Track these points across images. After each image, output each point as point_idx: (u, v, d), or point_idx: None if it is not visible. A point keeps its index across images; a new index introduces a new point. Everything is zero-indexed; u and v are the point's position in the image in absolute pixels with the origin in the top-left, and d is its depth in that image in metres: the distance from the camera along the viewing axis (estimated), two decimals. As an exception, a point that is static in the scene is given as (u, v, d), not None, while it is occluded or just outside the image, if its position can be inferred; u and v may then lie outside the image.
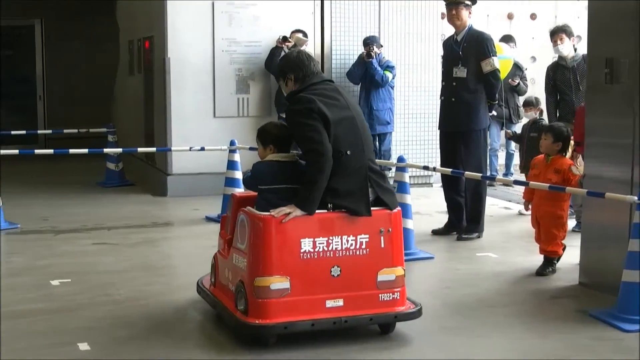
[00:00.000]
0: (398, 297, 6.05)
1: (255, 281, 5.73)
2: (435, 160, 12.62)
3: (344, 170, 5.91)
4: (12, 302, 7.08)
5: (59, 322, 6.55)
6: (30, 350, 5.89)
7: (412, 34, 13.40)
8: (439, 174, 10.38)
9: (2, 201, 10.32)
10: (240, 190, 7.09)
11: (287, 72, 6.30)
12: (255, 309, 5.74)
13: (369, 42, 12.67)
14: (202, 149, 11.09)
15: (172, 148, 12.00)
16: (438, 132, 10.13)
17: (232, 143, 10.61)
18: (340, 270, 5.87)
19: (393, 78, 12.78)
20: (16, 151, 11.77)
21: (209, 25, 12.54)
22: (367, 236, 5.93)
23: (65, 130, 15.27)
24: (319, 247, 5.82)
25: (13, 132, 15.40)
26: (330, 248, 5.85)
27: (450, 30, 10.06)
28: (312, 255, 5.81)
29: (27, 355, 5.80)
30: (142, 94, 14.16)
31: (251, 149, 10.87)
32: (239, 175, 10.44)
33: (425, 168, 9.83)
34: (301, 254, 5.79)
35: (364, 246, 5.93)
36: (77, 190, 13.32)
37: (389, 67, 12.70)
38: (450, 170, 8.86)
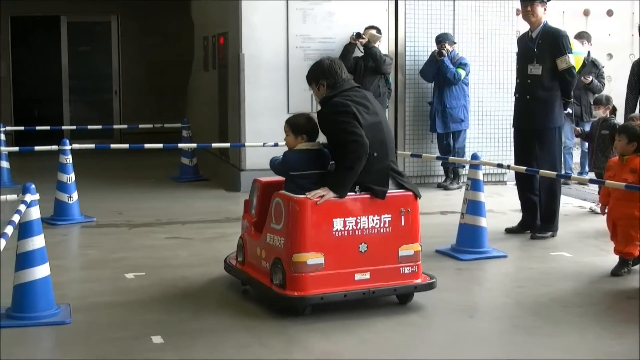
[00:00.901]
0: (416, 270, 6.74)
1: (293, 257, 6.33)
2: (509, 158, 12.51)
3: (369, 168, 6.50)
4: (87, 295, 7.19)
5: (133, 314, 6.64)
6: (105, 343, 5.97)
7: (486, 31, 13.31)
8: (512, 172, 10.28)
9: (78, 195, 10.48)
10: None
11: (320, 78, 6.88)
12: (293, 283, 6.34)
13: (441, 39, 12.62)
14: (276, 144, 11.12)
15: (246, 144, 12.06)
16: (512, 129, 10.04)
17: (306, 139, 10.63)
18: (367, 247, 6.52)
19: (467, 75, 12.71)
20: (92, 146, 11.99)
21: (283, 22, 12.58)
22: (390, 216, 6.59)
23: (141, 126, 15.46)
24: (349, 226, 6.46)
25: (89, 127, 15.64)
26: (358, 227, 6.49)
27: (525, 27, 9.96)
28: (342, 233, 6.45)
29: (102, 347, 5.88)
30: (217, 90, 14.25)
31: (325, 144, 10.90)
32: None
33: (499, 166, 9.76)
34: (333, 232, 6.42)
35: (387, 225, 6.59)
36: (152, 184, 13.47)
37: (462, 65, 12.63)
38: (525, 168, 8.78)
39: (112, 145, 11.87)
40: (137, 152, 13.92)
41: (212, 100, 14.67)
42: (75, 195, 10.43)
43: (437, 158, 12.14)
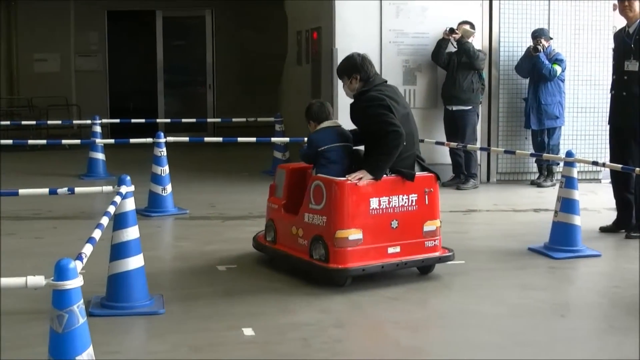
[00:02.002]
0: (437, 244, 7.53)
1: (337, 233, 7.01)
2: (604, 155, 12.31)
3: (400, 155, 7.22)
4: (180, 286, 7.28)
5: (225, 306, 6.69)
6: (196, 333, 6.03)
7: (582, 26, 13.12)
8: (607, 170, 10.12)
9: (172, 187, 10.62)
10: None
11: (353, 72, 7.59)
12: (336, 256, 7.02)
13: (537, 35, 12.48)
14: (367, 139, 11.13)
15: (338, 138, 12.07)
16: (608, 127, 9.87)
17: (397, 134, 10.60)
18: (397, 223, 7.26)
19: (563, 71, 12.55)
20: (186, 139, 12.13)
21: (376, 17, 12.57)
22: (416, 195, 7.35)
23: (234, 119, 15.58)
24: (383, 205, 7.19)
25: (183, 120, 15.81)
26: (390, 205, 7.23)
27: (621, 22, 9.79)
28: (378, 211, 7.17)
29: (194, 338, 5.94)
30: (309, 84, 14.30)
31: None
32: (403, 166, 10.44)
33: (595, 163, 9.59)
34: (370, 211, 7.13)
35: (414, 203, 7.34)
36: (245, 178, 13.56)
37: (558, 60, 12.47)
38: (621, 166, 8.63)
39: (206, 139, 12.00)
40: (230, 145, 14.06)
41: (304, 94, 14.72)
42: (169, 188, 10.57)
43: (531, 155, 12.02)
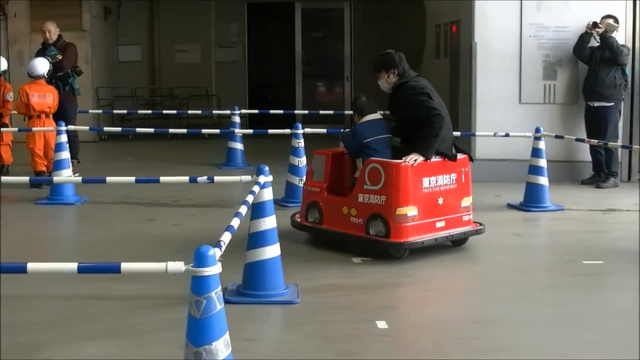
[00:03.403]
0: (471, 218, 8.40)
1: (397, 210, 7.70)
2: None
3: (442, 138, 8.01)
4: (315, 276, 7.32)
5: (360, 298, 6.71)
6: (330, 324, 6.05)
7: None
8: None
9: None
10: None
11: (392, 67, 8.39)
12: (397, 231, 7.71)
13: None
14: (507, 135, 11.00)
15: (476, 133, 11.97)
16: None
17: (537, 130, 10.46)
18: (442, 200, 8.02)
19: None
20: (324, 130, 12.18)
21: (516, 10, 12.39)
22: (455, 174, 8.18)
23: (371, 111, 15.55)
24: (432, 184, 7.95)
25: (321, 112, 15.89)
26: (437, 184, 7.99)
27: None
28: (428, 189, 7.93)
29: (328, 328, 5.96)
30: (447, 78, 14.21)
31: (557, 137, 10.68)
32: (543, 163, 10.30)
33: None
34: (423, 189, 7.87)
35: (454, 181, 8.15)
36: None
37: None
38: None
39: (343, 130, 12.01)
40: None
41: (442, 88, 14.59)
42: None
43: (674, 154, 11.70)
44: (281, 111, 15.25)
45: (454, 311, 6.38)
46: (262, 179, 6.46)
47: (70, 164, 11.39)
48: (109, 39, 20.23)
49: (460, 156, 8.24)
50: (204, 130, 13.71)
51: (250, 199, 6.05)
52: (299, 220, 8.74)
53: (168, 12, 20.98)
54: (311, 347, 5.62)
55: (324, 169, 8.52)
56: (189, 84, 20.08)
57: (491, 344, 5.70)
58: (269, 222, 6.52)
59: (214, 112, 17.78)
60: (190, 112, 17.46)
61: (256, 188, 6.32)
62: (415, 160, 7.76)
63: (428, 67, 16.72)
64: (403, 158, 7.80)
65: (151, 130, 14.08)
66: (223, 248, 4.44)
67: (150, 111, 18.14)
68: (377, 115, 8.42)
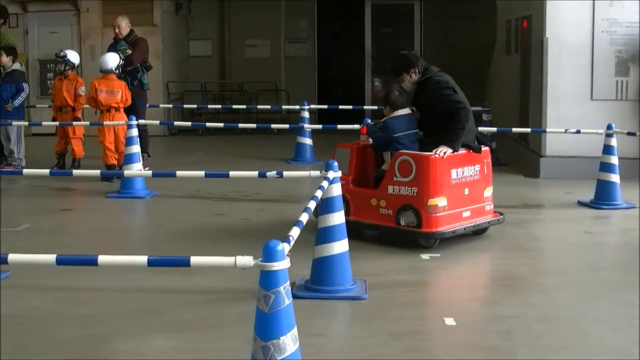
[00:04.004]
0: (492, 207, 8.69)
1: (429, 201, 7.95)
2: None
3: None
4: (383, 272, 7.31)
5: (428, 294, 6.70)
6: (398, 320, 6.04)
7: None
8: None
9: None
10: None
11: (412, 67, 8.63)
12: (428, 221, 7.96)
13: None
14: (578, 131, 10.86)
15: (547, 129, 11.85)
16: None
17: (609, 127, 10.32)
18: (468, 190, 8.31)
19: None
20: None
21: (589, 5, 12.22)
22: (479, 165, 8.47)
23: (440, 108, 15.46)
24: (459, 175, 8.22)
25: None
26: (464, 175, 8.26)
27: None
28: (456, 180, 8.18)
29: (395, 324, 5.95)
30: (518, 74, 14.08)
31: (629, 134, 10.53)
32: (614, 160, 10.17)
33: None
34: (452, 180, 8.13)
35: (477, 172, 8.43)
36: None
37: None
38: None
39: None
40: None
41: (513, 84, 14.51)
42: (374, 174, 10.61)
43: None
44: (350, 107, 15.23)
45: (522, 309, 6.31)
46: (331, 174, 6.46)
47: (141, 158, 11.50)
48: (179, 34, 20.40)
49: (483, 148, 8.55)
50: (273, 125, 13.77)
51: (319, 194, 6.06)
52: None
53: (238, 8, 21.09)
54: (378, 342, 5.61)
55: (350, 161, 8.70)
56: (258, 79, 20.16)
57: (560, 343, 5.63)
58: (338, 218, 6.53)
59: (283, 107, 17.85)
60: (259, 107, 17.54)
61: (325, 183, 6.32)
62: (445, 153, 8.01)
63: (498, 63, 16.61)
64: (433, 150, 8.03)
65: (221, 125, 14.18)
66: (292, 243, 4.45)
67: (219, 106, 18.25)
68: (407, 111, 8.58)
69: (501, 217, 8.70)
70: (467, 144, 8.32)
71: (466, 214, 8.29)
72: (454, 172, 8.16)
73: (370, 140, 8.83)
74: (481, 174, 8.47)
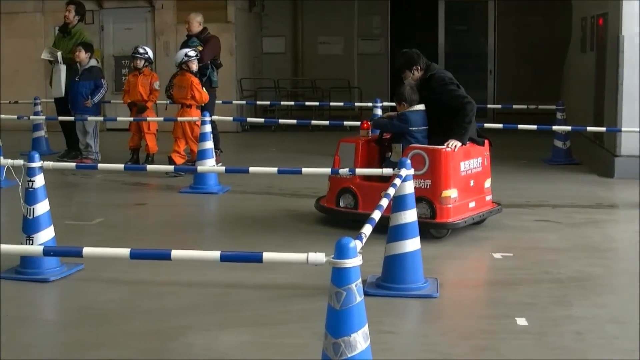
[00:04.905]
0: (491, 198, 9.07)
1: (442, 193, 8.25)
2: None
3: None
4: (455, 271, 7.31)
5: (500, 294, 6.63)
6: (469, 319, 6.04)
7: None
8: None
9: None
10: None
11: (415, 64, 8.91)
12: (442, 212, 8.26)
13: None
14: (654, 131, 10.71)
15: (622, 129, 11.68)
16: None
17: (684, 125, 10.16)
18: (473, 182, 8.67)
19: None
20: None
21: (668, 2, 12.02)
22: (481, 158, 8.86)
23: (515, 106, 15.38)
24: (466, 167, 8.56)
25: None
26: (470, 167, 8.61)
27: None
28: (464, 172, 8.52)
29: (466, 324, 5.92)
30: (593, 72, 13.90)
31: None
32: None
33: None
34: (461, 172, 8.45)
35: (479, 164, 8.82)
36: (523, 165, 13.39)
37: None
38: None
39: (486, 125, 11.89)
40: (510, 132, 13.88)
41: (588, 82, 14.34)
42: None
43: None
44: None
45: (595, 310, 6.24)
46: (403, 172, 6.45)
47: (214, 154, 11.58)
48: (253, 31, 20.52)
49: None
50: (345, 122, 13.77)
51: (391, 191, 6.05)
52: (326, 205, 9.13)
53: (312, 5, 21.15)
54: (448, 341, 5.59)
55: (355, 156, 8.89)
56: (331, 76, 20.20)
57: (632, 345, 5.54)
58: (410, 216, 6.51)
59: (356, 104, 17.84)
60: (332, 104, 17.56)
61: (397, 181, 6.31)
62: (456, 146, 8.34)
63: (573, 61, 16.43)
64: (445, 144, 8.33)
65: (293, 121, 14.20)
66: (364, 240, 4.45)
67: (292, 103, 18.32)
68: (422, 107, 8.77)
69: (499, 207, 9.08)
70: (471, 137, 8.65)
71: (472, 204, 8.63)
72: (462, 165, 8.52)
73: (373, 133, 9.18)
74: (482, 166, 8.87)
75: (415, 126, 8.67)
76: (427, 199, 8.28)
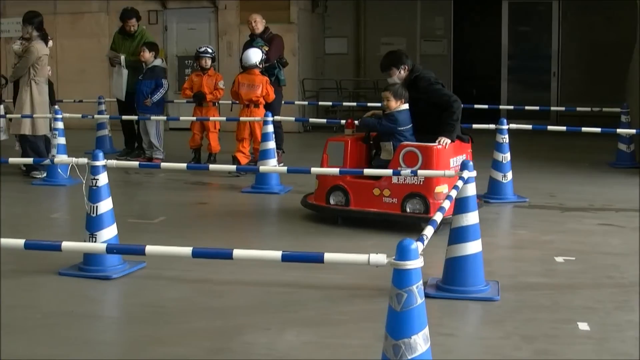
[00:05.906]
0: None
1: (436, 189, 8.59)
2: None
3: None
4: (516, 274, 7.23)
5: (561, 298, 6.57)
6: (530, 323, 5.95)
7: None
8: None
9: (512, 174, 10.55)
10: None
11: (401, 63, 9.18)
12: (435, 208, 8.06)
13: None
14: None
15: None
16: None
17: None
18: None
19: None
20: (529, 126, 11.99)
21: None
22: (465, 155, 9.14)
23: (578, 108, 15.23)
24: (454, 163, 8.85)
25: (526, 107, 15.63)
26: (456, 163, 8.87)
27: None
28: (453, 169, 8.60)
29: (527, 327, 5.87)
30: (659, 75, 13.72)
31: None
32: None
33: None
34: (450, 168, 8.58)
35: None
36: (587, 168, 13.26)
37: None
38: None
39: (549, 127, 11.81)
40: (573, 134, 13.74)
41: (653, 84, 14.15)
42: (509, 175, 10.53)
43: None
44: (486, 106, 15.07)
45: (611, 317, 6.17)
46: (466, 174, 6.42)
47: (276, 154, 11.62)
48: (315, 32, 20.55)
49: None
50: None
51: (453, 193, 6.03)
52: (314, 202, 9.39)
53: (374, 6, 21.13)
54: (509, 345, 5.54)
55: (344, 154, 9.16)
56: (393, 77, 20.13)
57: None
58: (472, 218, 6.47)
59: (418, 105, 17.73)
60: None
61: (460, 183, 6.28)
62: (447, 143, 8.65)
63: (638, 63, 16.20)
64: (437, 141, 8.64)
65: (355, 122, 14.17)
66: (426, 242, 4.43)
67: (354, 103, 18.30)
68: (407, 106, 9.05)
69: (481, 202, 9.20)
70: (458, 135, 9.00)
71: None
72: (451, 161, 8.83)
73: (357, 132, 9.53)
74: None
75: (403, 125, 8.97)
76: (421, 195, 8.63)
